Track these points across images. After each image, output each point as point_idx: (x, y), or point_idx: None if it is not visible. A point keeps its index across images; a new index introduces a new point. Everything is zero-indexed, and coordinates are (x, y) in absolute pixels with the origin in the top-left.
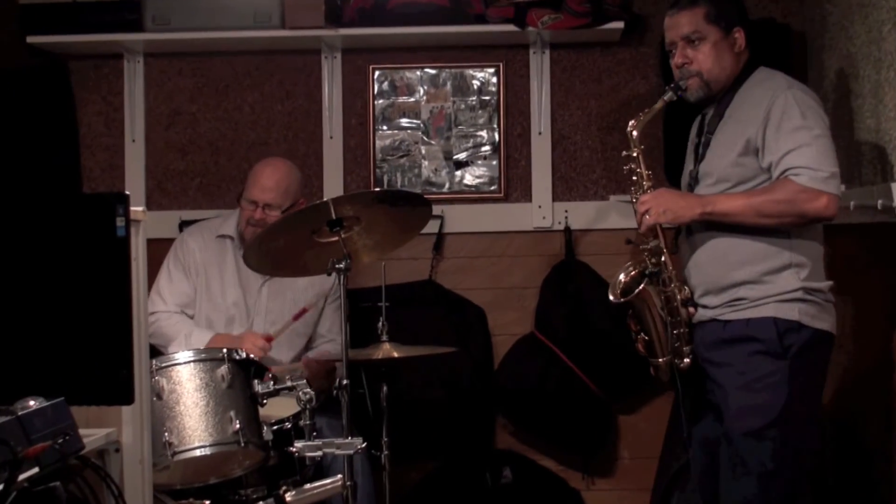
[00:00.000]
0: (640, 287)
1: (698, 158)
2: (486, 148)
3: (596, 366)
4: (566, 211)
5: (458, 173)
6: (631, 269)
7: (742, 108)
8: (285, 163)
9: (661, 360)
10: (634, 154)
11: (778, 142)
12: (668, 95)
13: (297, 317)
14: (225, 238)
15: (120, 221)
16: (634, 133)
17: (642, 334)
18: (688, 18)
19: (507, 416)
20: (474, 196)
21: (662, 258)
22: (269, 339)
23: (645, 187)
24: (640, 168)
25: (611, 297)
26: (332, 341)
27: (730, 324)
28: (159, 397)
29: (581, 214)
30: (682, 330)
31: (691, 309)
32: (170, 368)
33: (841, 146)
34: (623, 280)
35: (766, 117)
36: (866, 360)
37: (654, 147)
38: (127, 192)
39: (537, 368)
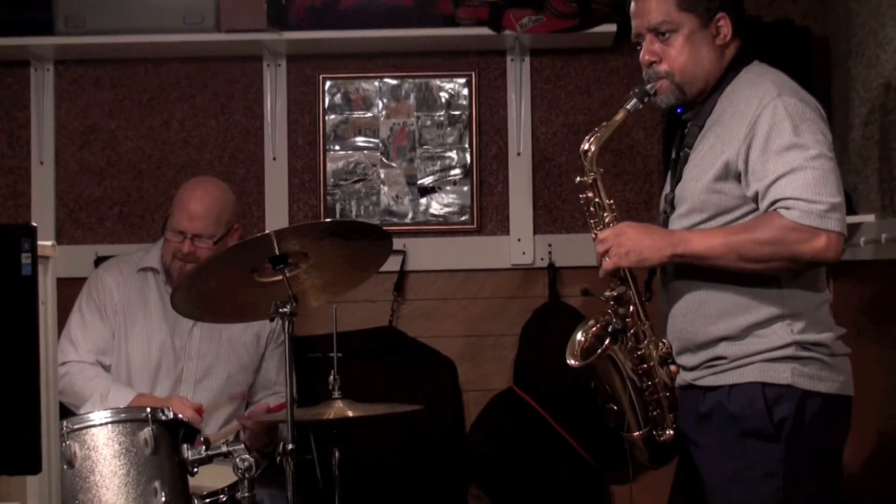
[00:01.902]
0: (603, 346)
1: (676, 179)
2: (456, 171)
3: (585, 427)
4: (550, 245)
5: (424, 201)
6: (593, 324)
7: (723, 119)
8: (217, 184)
9: (635, 434)
10: (590, 180)
11: (766, 165)
12: (632, 104)
13: (234, 398)
14: (147, 271)
15: (25, 258)
16: (591, 152)
17: (611, 404)
18: (656, 4)
19: (481, 485)
20: (442, 228)
21: (631, 308)
22: (199, 410)
23: (606, 220)
24: (600, 197)
25: (569, 362)
26: (276, 394)
27: (710, 393)
28: (71, 465)
29: (567, 249)
30: (660, 395)
31: (672, 367)
32: (83, 431)
33: (871, 169)
34: (582, 339)
35: (750, 133)
36: None
37: (652, 170)
38: (34, 224)
39: (516, 430)
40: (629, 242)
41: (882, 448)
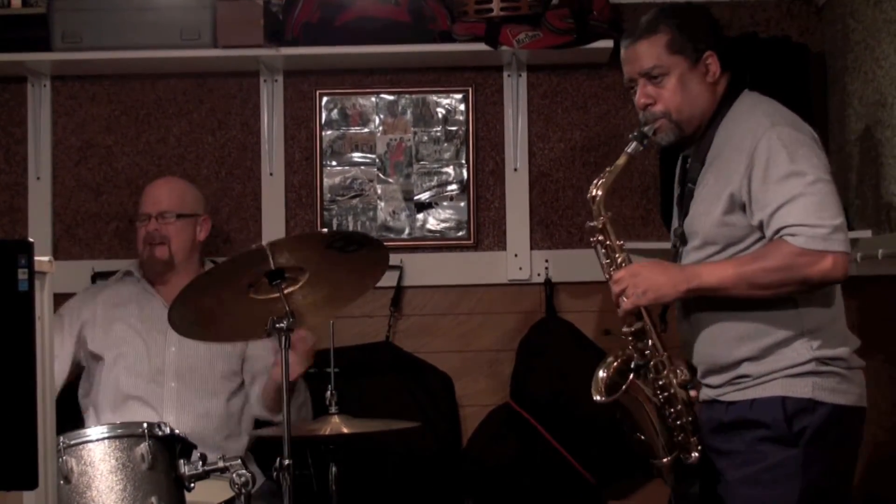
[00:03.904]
0: (628, 381)
1: (683, 213)
2: (453, 187)
3: (583, 443)
4: (546, 261)
5: (420, 217)
6: (613, 361)
7: (723, 154)
8: (180, 178)
9: (664, 461)
10: (600, 224)
11: (766, 195)
12: (633, 147)
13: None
14: (125, 276)
15: (22, 273)
16: (598, 197)
17: (638, 434)
18: (646, 49)
19: (478, 500)
20: (439, 243)
21: (650, 342)
22: None
23: (618, 261)
24: (610, 240)
25: (595, 397)
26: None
27: (733, 405)
28: (67, 481)
29: (564, 265)
30: (684, 420)
31: (692, 392)
32: (80, 447)
33: (867, 185)
34: (605, 375)
35: (750, 165)
36: None
37: (649, 186)
38: (30, 239)
39: (513, 446)
40: (645, 282)
41: (880, 460)
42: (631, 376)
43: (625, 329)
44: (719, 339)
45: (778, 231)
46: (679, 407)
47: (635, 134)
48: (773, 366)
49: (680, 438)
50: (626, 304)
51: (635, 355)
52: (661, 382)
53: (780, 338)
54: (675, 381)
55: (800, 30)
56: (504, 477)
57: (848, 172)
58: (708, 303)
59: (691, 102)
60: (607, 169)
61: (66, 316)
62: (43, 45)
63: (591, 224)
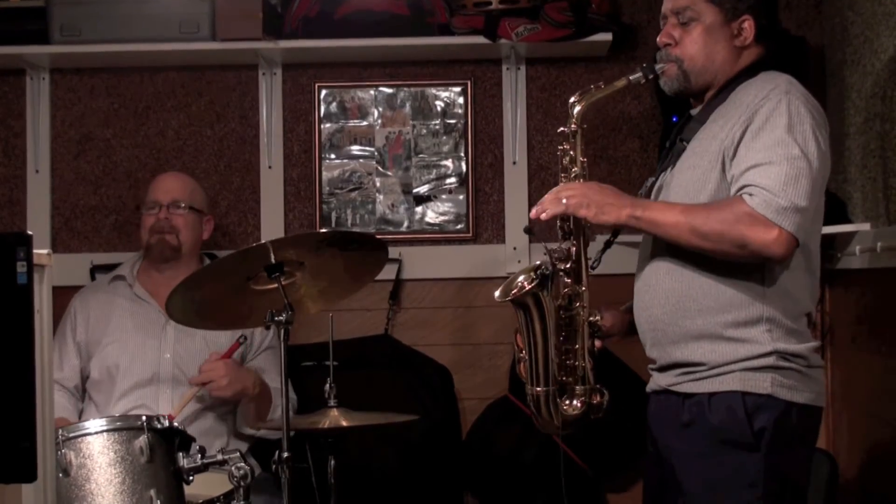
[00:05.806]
0: (529, 286)
1: (662, 168)
2: (452, 180)
3: (581, 436)
4: (545, 254)
5: (419, 210)
6: (533, 274)
7: (728, 112)
8: (185, 174)
9: (537, 388)
10: (569, 130)
11: (748, 153)
12: (636, 76)
13: (199, 381)
14: (116, 280)
15: (21, 266)
16: (578, 105)
17: (524, 353)
18: None
19: (477, 493)
20: (438, 236)
21: (570, 264)
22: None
23: (572, 175)
24: (575, 151)
25: (495, 294)
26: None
27: (689, 401)
28: (66, 473)
29: None
30: (578, 363)
31: (598, 342)
32: (79, 439)
33: (866, 178)
34: (523, 279)
35: (748, 121)
36: None
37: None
38: (29, 232)
39: (512, 438)
40: (594, 195)
41: (876, 452)
42: (533, 284)
43: (551, 246)
44: (676, 307)
45: (741, 189)
46: (577, 347)
47: (645, 65)
48: (731, 355)
49: (566, 380)
50: (561, 206)
51: (545, 264)
52: (571, 314)
53: (741, 318)
54: (584, 321)
55: (798, 22)
56: (503, 470)
57: (846, 166)
58: (671, 267)
59: (708, 57)
60: (600, 83)
61: (65, 336)
62: (41, 37)
63: (563, 129)
